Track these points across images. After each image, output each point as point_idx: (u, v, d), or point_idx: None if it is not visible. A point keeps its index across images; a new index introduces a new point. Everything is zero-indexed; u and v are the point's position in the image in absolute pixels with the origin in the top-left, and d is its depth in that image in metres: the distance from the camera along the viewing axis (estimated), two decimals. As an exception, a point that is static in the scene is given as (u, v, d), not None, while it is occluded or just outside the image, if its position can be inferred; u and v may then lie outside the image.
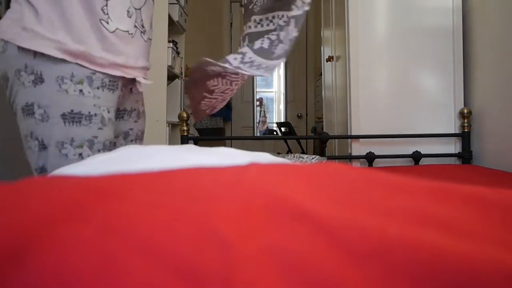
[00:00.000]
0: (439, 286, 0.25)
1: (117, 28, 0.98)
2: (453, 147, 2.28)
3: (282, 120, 5.61)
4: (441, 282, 0.25)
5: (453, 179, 0.66)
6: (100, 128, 0.96)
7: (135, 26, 1.03)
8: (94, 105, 0.95)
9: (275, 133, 5.83)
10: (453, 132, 2.25)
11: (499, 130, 2.01)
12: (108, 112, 0.99)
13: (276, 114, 6.22)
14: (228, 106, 4.93)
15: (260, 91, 6.19)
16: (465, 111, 2.19)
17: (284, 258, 0.28)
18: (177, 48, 3.00)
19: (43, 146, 0.94)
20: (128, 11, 1.00)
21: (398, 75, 2.28)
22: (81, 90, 0.94)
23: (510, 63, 1.91)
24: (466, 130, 2.21)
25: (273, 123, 6.10)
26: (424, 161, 2.25)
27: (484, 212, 0.37)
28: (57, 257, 0.27)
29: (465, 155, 2.21)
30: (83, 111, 0.94)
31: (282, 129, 5.17)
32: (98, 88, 0.97)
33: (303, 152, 4.33)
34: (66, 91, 0.93)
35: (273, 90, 6.37)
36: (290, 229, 0.31)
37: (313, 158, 1.63)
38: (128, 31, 1.01)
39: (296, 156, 1.61)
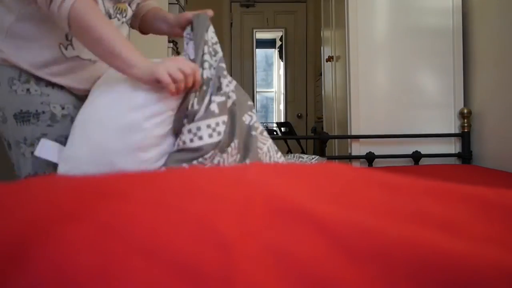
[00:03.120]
0: (439, 286, 0.25)
1: (77, 56, 0.98)
2: (453, 147, 2.28)
3: (282, 120, 5.60)
4: (441, 282, 0.25)
5: (453, 179, 0.66)
6: (49, 125, 0.96)
7: None
8: (42, 103, 0.96)
9: (275, 133, 5.83)
10: (453, 132, 2.25)
11: (499, 130, 2.01)
12: (63, 108, 0.99)
13: (276, 114, 6.22)
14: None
15: (260, 91, 6.19)
16: (465, 111, 2.19)
17: (284, 258, 0.28)
18: (177, 48, 3.00)
19: (9, 146, 0.98)
20: None
21: (398, 75, 2.28)
22: (28, 89, 0.95)
23: (510, 63, 1.91)
24: (466, 130, 2.21)
25: (273, 123, 6.10)
26: (424, 161, 2.25)
27: (484, 212, 0.37)
28: (57, 257, 0.27)
29: (465, 155, 2.21)
30: (31, 109, 0.95)
31: (282, 129, 5.17)
32: (46, 86, 0.97)
33: (303, 152, 4.33)
34: (15, 91, 0.95)
35: (273, 90, 6.36)
36: (290, 229, 0.31)
37: (313, 158, 1.63)
38: (90, 59, 1.00)
39: (296, 156, 1.61)
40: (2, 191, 0.39)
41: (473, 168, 2.06)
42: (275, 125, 5.91)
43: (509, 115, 1.92)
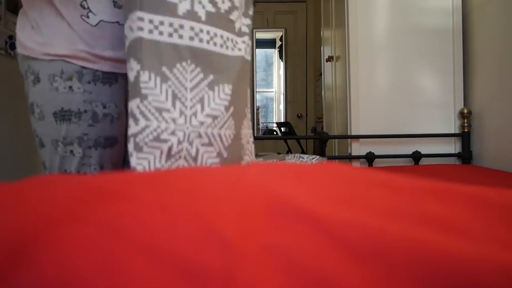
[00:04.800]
0: (440, 286, 0.25)
1: (101, 20, 0.92)
2: (453, 147, 2.28)
3: (282, 120, 5.61)
4: (442, 282, 0.25)
5: (453, 179, 0.66)
6: (90, 125, 0.95)
7: None
8: (84, 101, 0.94)
9: (275, 133, 5.82)
10: (453, 132, 2.25)
11: (499, 130, 2.01)
12: (104, 107, 0.97)
13: (276, 114, 6.22)
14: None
15: (260, 91, 6.19)
16: (465, 111, 2.19)
17: (285, 258, 0.28)
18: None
19: (41, 144, 0.96)
20: (115, 2, 0.93)
21: (398, 75, 2.28)
22: (70, 87, 0.93)
23: (510, 63, 1.91)
24: (466, 130, 2.21)
25: (273, 123, 6.10)
26: (424, 161, 2.25)
27: (484, 212, 0.37)
28: (58, 257, 0.27)
29: (465, 155, 2.21)
30: (72, 108, 0.93)
31: (282, 129, 5.17)
32: (89, 82, 0.95)
33: (303, 152, 4.33)
34: (56, 89, 0.93)
35: (273, 90, 6.37)
36: (291, 229, 0.31)
37: (313, 158, 1.63)
38: (118, 22, 0.93)
39: (296, 156, 1.61)
40: (3, 191, 0.39)
41: (473, 168, 2.06)
42: (275, 125, 5.92)
43: (509, 115, 1.92)
